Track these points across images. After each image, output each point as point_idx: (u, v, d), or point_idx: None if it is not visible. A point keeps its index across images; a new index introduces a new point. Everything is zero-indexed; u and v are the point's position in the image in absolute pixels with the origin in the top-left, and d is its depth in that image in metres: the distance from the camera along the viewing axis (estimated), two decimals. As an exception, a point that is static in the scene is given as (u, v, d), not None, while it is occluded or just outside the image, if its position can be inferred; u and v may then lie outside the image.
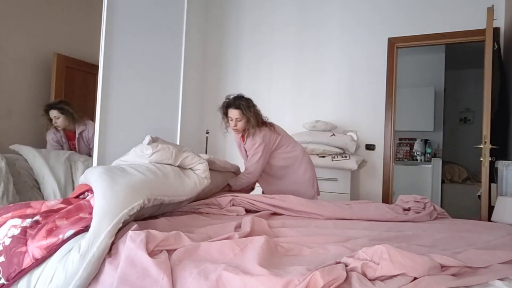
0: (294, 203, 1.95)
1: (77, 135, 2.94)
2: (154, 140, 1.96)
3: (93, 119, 2.70)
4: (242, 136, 2.51)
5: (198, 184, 1.85)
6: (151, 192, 1.52)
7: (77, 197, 1.70)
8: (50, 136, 2.92)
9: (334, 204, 1.95)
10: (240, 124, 2.39)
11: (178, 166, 1.88)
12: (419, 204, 1.96)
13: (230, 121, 2.43)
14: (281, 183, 2.53)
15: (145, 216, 1.64)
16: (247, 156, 2.53)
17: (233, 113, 2.37)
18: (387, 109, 3.45)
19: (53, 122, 2.88)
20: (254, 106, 2.43)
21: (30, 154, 2.23)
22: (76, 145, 2.95)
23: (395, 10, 3.47)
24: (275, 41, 3.96)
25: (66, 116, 2.91)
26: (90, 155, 2.83)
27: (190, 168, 1.94)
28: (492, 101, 2.57)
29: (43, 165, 2.14)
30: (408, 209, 1.96)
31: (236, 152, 4.06)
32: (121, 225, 1.31)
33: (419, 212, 1.89)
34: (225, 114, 2.45)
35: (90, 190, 1.64)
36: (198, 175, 1.90)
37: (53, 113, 2.90)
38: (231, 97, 2.44)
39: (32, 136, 3.34)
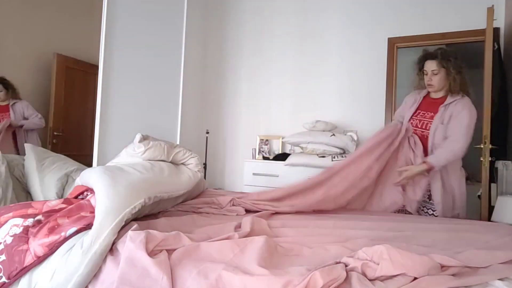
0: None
1: (10, 106, 3.22)
2: (144, 138, 1.97)
3: (93, 119, 2.71)
4: (433, 101, 2.14)
5: (193, 177, 1.87)
6: (151, 190, 1.54)
7: (76, 198, 1.70)
8: None
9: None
10: (436, 79, 2.08)
11: (170, 162, 1.89)
12: None
13: (425, 76, 2.14)
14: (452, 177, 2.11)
15: (145, 213, 1.65)
16: (428, 125, 2.11)
17: (428, 65, 2.10)
18: (387, 109, 3.45)
19: None
20: (461, 65, 2.09)
21: (29, 165, 2.18)
22: (10, 116, 3.20)
23: (395, 10, 3.47)
24: (275, 41, 3.96)
25: (8, 91, 3.21)
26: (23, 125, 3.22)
27: (182, 163, 1.95)
28: (492, 101, 2.56)
29: (36, 183, 2.10)
30: None
31: (237, 153, 4.08)
32: (123, 223, 1.32)
33: None
34: (421, 69, 2.18)
35: (88, 190, 1.65)
36: (191, 169, 1.91)
37: None
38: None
39: (32, 136, 3.33)
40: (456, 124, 2.03)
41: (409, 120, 2.23)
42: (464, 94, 2.09)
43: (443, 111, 2.09)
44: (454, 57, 2.09)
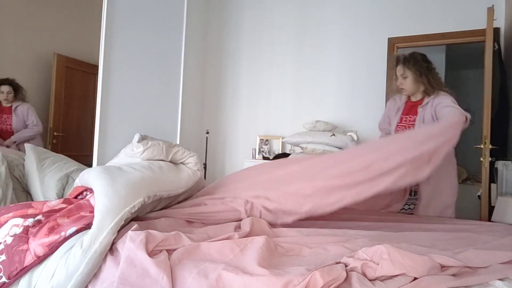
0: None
1: (13, 109, 3.19)
2: (143, 138, 1.96)
3: (93, 119, 2.71)
4: (413, 104, 2.18)
5: (192, 176, 1.87)
6: (151, 189, 1.54)
7: (75, 198, 1.70)
8: None
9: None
10: (406, 83, 2.12)
11: (169, 161, 1.89)
12: None
13: (396, 81, 2.21)
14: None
15: (146, 211, 1.65)
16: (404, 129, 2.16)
17: (397, 69, 2.16)
18: (387, 109, 3.45)
19: (1, 98, 3.14)
20: (430, 66, 2.13)
21: (30, 164, 2.18)
22: (12, 119, 3.19)
23: (395, 10, 3.47)
24: (275, 41, 3.96)
25: (16, 93, 3.20)
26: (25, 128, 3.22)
27: (181, 163, 1.95)
28: (492, 101, 2.56)
29: (36, 183, 2.10)
30: None
31: (237, 153, 4.08)
32: (123, 222, 1.32)
33: None
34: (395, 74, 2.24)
35: (88, 190, 1.65)
36: (191, 168, 1.91)
37: (5, 88, 3.13)
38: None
39: (32, 136, 3.33)
40: (443, 107, 2.03)
41: (396, 128, 2.27)
42: (441, 91, 2.12)
43: (422, 111, 2.15)
44: (421, 58, 2.13)
